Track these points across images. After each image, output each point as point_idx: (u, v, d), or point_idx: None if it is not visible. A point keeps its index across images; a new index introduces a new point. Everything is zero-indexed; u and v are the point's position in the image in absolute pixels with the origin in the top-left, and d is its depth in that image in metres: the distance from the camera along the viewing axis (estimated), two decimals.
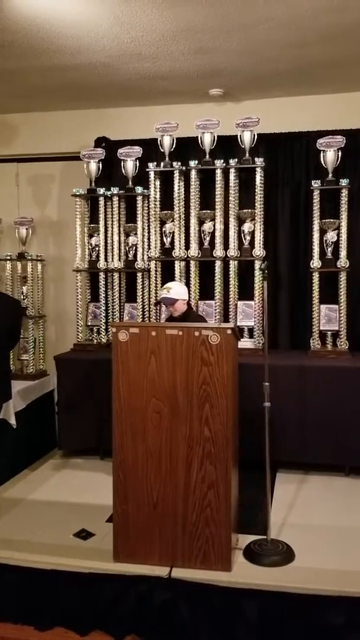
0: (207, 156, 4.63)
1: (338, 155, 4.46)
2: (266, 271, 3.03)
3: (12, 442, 4.69)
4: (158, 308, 4.69)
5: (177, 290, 3.90)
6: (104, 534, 3.25)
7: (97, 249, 4.94)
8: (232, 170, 4.54)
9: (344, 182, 4.40)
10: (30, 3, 3.28)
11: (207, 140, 4.61)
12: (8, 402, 4.62)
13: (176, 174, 4.63)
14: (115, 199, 4.84)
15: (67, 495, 3.85)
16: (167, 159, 4.72)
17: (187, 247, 4.69)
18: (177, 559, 2.91)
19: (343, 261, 4.42)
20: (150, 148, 4.84)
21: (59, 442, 4.72)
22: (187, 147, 4.79)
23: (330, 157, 4.45)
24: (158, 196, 4.76)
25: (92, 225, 4.96)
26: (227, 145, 4.74)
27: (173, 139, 4.70)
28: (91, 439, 4.48)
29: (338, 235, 4.47)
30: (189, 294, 4.37)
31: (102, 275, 4.89)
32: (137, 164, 4.82)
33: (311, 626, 2.70)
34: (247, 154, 4.54)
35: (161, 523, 2.92)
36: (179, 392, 2.88)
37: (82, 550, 3.11)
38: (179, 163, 4.62)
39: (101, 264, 4.88)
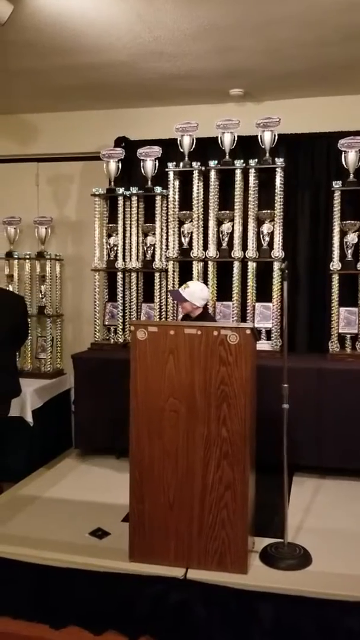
0: (227, 156, 4.61)
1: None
2: (286, 271, 3.00)
3: (28, 440, 4.72)
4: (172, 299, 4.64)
5: (193, 292, 3.82)
6: (120, 533, 3.24)
7: (115, 248, 4.95)
8: (251, 171, 4.51)
9: None
10: (55, 2, 3.30)
11: (227, 141, 4.59)
12: (25, 400, 4.66)
13: (195, 174, 4.62)
14: (134, 198, 4.84)
15: (83, 494, 3.85)
16: (186, 159, 4.71)
17: (205, 247, 4.68)
18: (192, 560, 2.88)
19: None
20: (169, 148, 4.84)
21: (75, 441, 4.73)
22: (206, 147, 4.78)
23: (351, 158, 4.41)
24: (177, 196, 4.75)
25: (110, 225, 4.97)
26: (246, 146, 4.72)
27: (193, 139, 4.69)
28: (107, 438, 4.48)
29: (359, 237, 4.42)
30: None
31: (119, 275, 4.89)
32: (157, 164, 4.81)
33: (327, 631, 2.66)
34: (267, 154, 4.52)
35: (177, 523, 2.90)
36: (196, 391, 2.86)
37: (98, 549, 3.09)
38: (199, 163, 4.61)
39: (119, 263, 4.89)
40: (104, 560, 2.96)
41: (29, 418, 4.64)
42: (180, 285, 4.76)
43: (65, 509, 3.63)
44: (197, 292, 3.84)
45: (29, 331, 4.53)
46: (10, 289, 5.29)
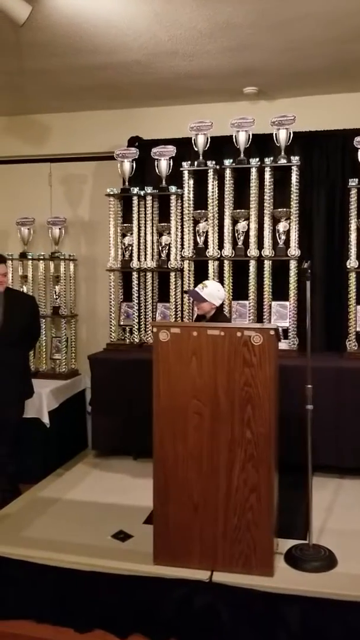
0: (242, 155, 4.58)
1: None
2: (309, 270, 2.97)
3: (44, 441, 4.72)
4: (188, 297, 4.64)
5: (211, 292, 3.84)
6: (142, 536, 3.22)
7: (130, 248, 4.93)
8: (267, 169, 4.48)
9: None
10: (72, 2, 3.28)
11: (242, 139, 4.56)
12: (41, 401, 4.66)
13: (210, 173, 4.59)
14: (149, 198, 4.82)
15: (102, 496, 3.84)
16: (200, 157, 4.68)
17: (221, 246, 4.65)
18: (217, 563, 2.87)
19: None
20: (182, 147, 4.81)
21: (93, 442, 4.72)
22: (219, 146, 4.75)
23: None
24: (192, 195, 4.72)
25: (125, 224, 4.95)
26: (260, 144, 4.69)
27: (207, 138, 4.66)
28: (124, 439, 4.47)
29: None
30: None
31: (135, 275, 4.87)
32: (171, 164, 4.79)
33: (356, 634, 2.64)
34: (282, 152, 4.48)
35: (202, 526, 2.88)
36: (220, 393, 2.84)
37: (121, 552, 3.08)
38: (214, 162, 4.58)
39: (134, 263, 4.87)
40: (128, 564, 2.94)
41: (46, 419, 4.64)
42: (195, 285, 4.75)
43: (86, 511, 3.62)
44: (215, 292, 3.86)
45: (42, 332, 4.54)
46: (25, 289, 5.30)
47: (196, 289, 3.91)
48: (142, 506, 3.62)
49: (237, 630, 2.73)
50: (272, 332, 2.80)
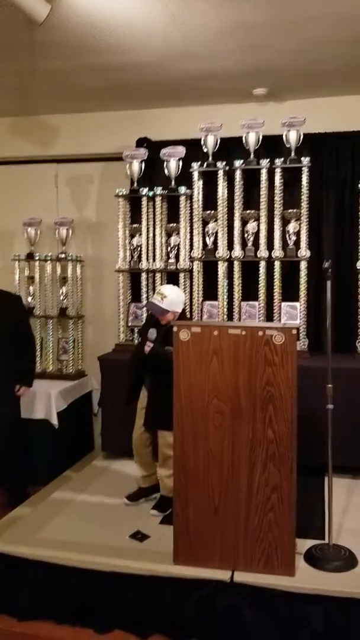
0: (252, 156, 4.59)
1: None
2: (330, 270, 2.98)
3: (53, 443, 4.69)
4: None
5: (172, 300, 3.48)
6: (160, 536, 3.22)
7: (138, 249, 4.92)
8: (277, 170, 4.49)
9: None
10: (87, 2, 3.27)
11: (252, 140, 4.57)
12: (50, 402, 4.63)
13: (220, 174, 4.60)
14: (158, 199, 4.81)
15: (115, 497, 3.81)
16: (210, 158, 4.69)
17: (230, 247, 4.65)
18: (238, 563, 2.86)
19: None
20: (190, 148, 4.81)
21: (103, 444, 4.70)
22: (228, 147, 4.75)
23: None
24: (201, 196, 4.72)
25: (134, 225, 4.94)
26: (268, 145, 4.69)
27: (217, 139, 4.67)
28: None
29: None
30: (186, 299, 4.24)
31: (144, 276, 4.86)
32: (180, 165, 4.79)
33: None
34: (292, 154, 4.50)
35: (222, 526, 2.87)
36: (241, 392, 2.84)
37: (140, 552, 3.07)
38: (224, 162, 4.59)
39: (143, 264, 4.86)
40: (148, 564, 2.93)
41: (54, 420, 4.62)
42: (205, 287, 4.74)
43: (100, 512, 3.61)
44: (176, 299, 3.54)
45: (32, 332, 4.41)
46: (31, 290, 5.28)
47: (153, 301, 3.51)
48: None
49: (260, 630, 2.72)
50: (293, 332, 2.80)
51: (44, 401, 4.64)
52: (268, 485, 2.82)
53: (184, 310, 3.72)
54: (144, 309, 4.85)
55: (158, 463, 3.65)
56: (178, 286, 4.74)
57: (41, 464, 4.63)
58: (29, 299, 5.23)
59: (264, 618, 2.74)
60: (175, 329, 2.92)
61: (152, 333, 3.52)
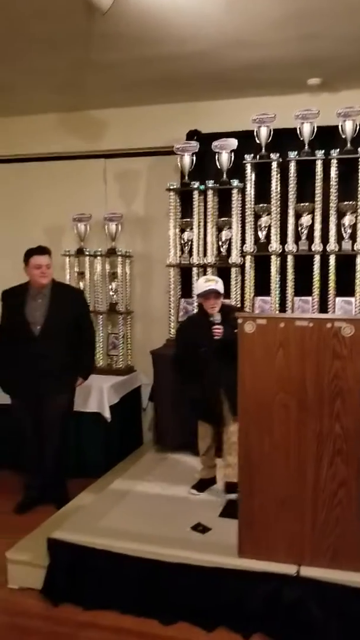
0: (307, 147, 4.53)
1: None
2: None
3: (105, 436, 4.74)
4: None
5: (221, 284, 3.72)
6: (221, 529, 3.21)
7: (189, 244, 4.91)
8: (333, 161, 4.42)
9: None
10: None
11: (307, 131, 4.51)
12: (102, 396, 4.68)
13: (274, 166, 4.55)
14: (210, 192, 4.79)
15: (173, 490, 3.83)
16: (263, 150, 4.64)
17: (283, 241, 4.60)
18: (304, 557, 2.83)
19: None
20: (242, 141, 4.77)
21: (156, 437, 4.71)
22: (280, 139, 4.70)
23: None
24: (253, 189, 4.68)
25: (184, 220, 4.93)
26: (322, 137, 4.62)
27: (270, 130, 4.62)
28: (187, 434, 4.43)
29: None
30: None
31: (195, 271, 4.85)
32: (232, 157, 4.76)
33: None
34: (348, 145, 4.42)
35: (288, 520, 2.85)
36: (308, 386, 2.80)
37: (203, 545, 3.06)
38: (278, 154, 4.54)
39: (194, 259, 4.85)
40: (212, 556, 2.92)
41: (107, 414, 4.66)
42: (257, 282, 4.67)
43: (159, 504, 3.62)
44: (221, 283, 3.74)
45: (93, 326, 4.51)
46: (82, 286, 5.32)
47: (209, 286, 3.66)
48: (214, 500, 3.63)
49: (328, 625, 2.69)
50: None
51: (96, 395, 4.69)
52: (335, 479, 2.78)
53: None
54: (195, 304, 4.85)
55: (226, 451, 3.64)
56: (229, 282, 4.72)
57: (94, 456, 4.69)
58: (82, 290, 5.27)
59: (331, 613, 2.70)
60: (240, 321, 2.90)
61: (217, 317, 3.59)
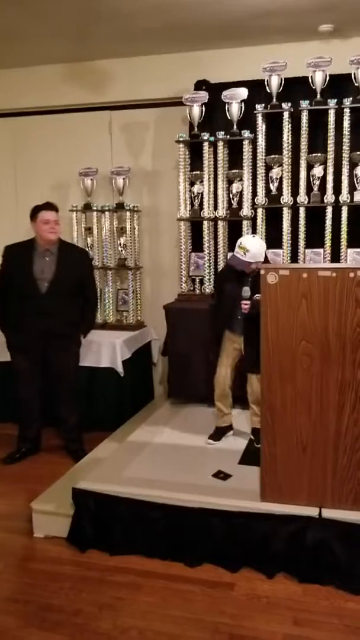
0: (319, 96, 4.43)
1: None
2: None
3: (118, 391, 4.79)
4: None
5: (255, 253, 3.52)
6: (242, 475, 3.30)
7: (199, 197, 4.85)
8: (345, 111, 4.34)
9: None
10: None
11: (319, 79, 4.41)
12: (115, 351, 4.71)
13: (285, 116, 4.46)
14: (220, 144, 4.70)
15: (191, 440, 3.90)
16: (274, 100, 4.54)
17: (295, 193, 4.56)
18: (326, 500, 2.92)
19: None
20: (251, 90, 4.66)
21: (169, 391, 4.77)
22: (290, 89, 4.59)
23: None
24: (264, 141, 4.60)
25: (194, 172, 4.85)
26: (335, 85, 4.51)
27: (281, 79, 4.51)
28: (201, 388, 4.50)
29: None
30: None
31: (205, 225, 4.81)
32: (243, 107, 4.66)
33: None
34: None
35: (310, 465, 2.92)
36: (330, 335, 2.83)
37: (225, 490, 3.15)
38: (289, 104, 4.44)
39: (205, 212, 4.80)
40: (235, 500, 3.01)
41: (120, 368, 4.70)
42: (268, 237, 4.64)
43: (179, 453, 3.69)
44: (259, 250, 3.57)
45: (95, 285, 4.55)
46: (89, 241, 5.29)
47: (237, 255, 3.54)
48: (233, 449, 3.71)
49: (351, 565, 2.79)
50: None
51: (109, 350, 4.72)
52: (357, 425, 2.84)
53: (266, 256, 3.76)
54: (206, 258, 4.83)
55: (255, 401, 3.70)
56: (241, 235, 4.69)
57: (107, 410, 4.75)
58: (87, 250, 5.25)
59: (355, 553, 2.80)
60: (262, 272, 2.90)
61: (246, 291, 3.53)
